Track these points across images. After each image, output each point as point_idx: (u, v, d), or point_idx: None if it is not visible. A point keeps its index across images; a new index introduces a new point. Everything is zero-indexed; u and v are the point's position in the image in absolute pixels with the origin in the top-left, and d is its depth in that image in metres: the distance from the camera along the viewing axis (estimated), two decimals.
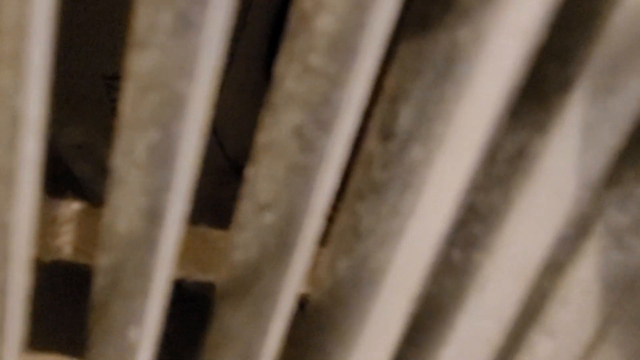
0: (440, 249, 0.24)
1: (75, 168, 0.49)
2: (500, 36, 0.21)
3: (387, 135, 0.23)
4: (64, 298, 0.42)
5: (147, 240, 0.23)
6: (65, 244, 0.28)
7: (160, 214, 0.22)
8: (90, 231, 0.28)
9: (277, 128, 0.22)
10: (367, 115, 0.23)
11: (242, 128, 0.52)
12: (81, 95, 0.47)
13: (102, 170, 0.22)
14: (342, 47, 0.20)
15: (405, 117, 0.23)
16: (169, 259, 0.24)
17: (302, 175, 0.21)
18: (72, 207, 0.28)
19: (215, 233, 0.29)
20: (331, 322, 0.25)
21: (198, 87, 0.19)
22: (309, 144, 0.21)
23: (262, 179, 0.23)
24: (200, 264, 0.30)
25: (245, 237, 0.24)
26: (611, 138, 0.21)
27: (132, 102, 0.20)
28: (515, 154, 0.23)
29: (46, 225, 0.27)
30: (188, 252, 0.29)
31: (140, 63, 0.20)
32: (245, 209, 0.24)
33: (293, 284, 0.25)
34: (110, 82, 0.47)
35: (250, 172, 0.23)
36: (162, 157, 0.20)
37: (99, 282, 0.23)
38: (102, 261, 0.23)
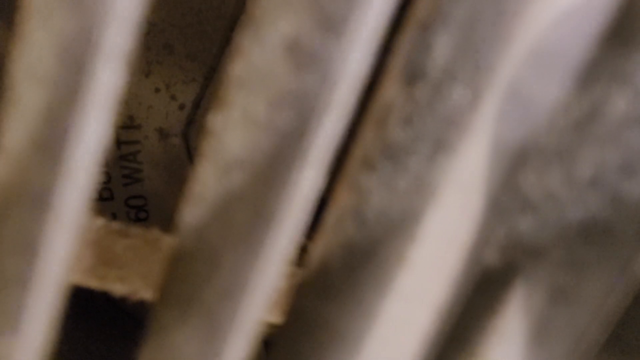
0: (479, 238, 0.17)
1: None
2: None
3: (413, 76, 0.17)
4: None
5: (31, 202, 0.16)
6: None
7: (62, 153, 0.15)
8: None
9: (258, 51, 0.15)
10: (382, 55, 0.17)
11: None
12: None
13: None
14: None
15: (441, 49, 0.16)
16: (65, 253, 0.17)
17: (292, 108, 0.15)
18: None
19: (159, 235, 0.22)
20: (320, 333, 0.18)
21: None
22: (307, 57, 0.14)
23: (233, 126, 0.16)
24: (137, 275, 0.23)
25: (200, 211, 0.17)
26: None
27: None
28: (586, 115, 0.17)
29: None
30: (121, 258, 0.23)
31: None
32: (205, 174, 0.17)
33: (263, 286, 0.18)
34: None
35: (215, 123, 0.16)
36: (74, 58, 0.14)
37: None
38: None
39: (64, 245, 0.17)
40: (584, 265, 0.17)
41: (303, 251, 0.19)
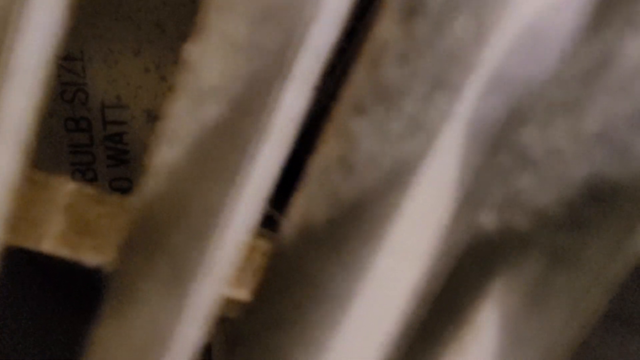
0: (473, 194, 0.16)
1: None
2: None
3: (411, 10, 0.15)
4: None
5: None
6: None
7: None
8: None
9: None
10: None
11: None
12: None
13: None
14: None
15: None
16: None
17: (275, 24, 0.13)
18: None
19: (110, 197, 0.21)
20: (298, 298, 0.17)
21: None
22: None
23: (211, 53, 0.15)
24: (113, 245, 0.22)
25: (172, 150, 0.16)
26: None
27: None
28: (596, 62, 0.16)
29: None
30: (95, 226, 0.21)
31: None
32: (178, 109, 0.15)
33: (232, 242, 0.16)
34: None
35: (192, 52, 0.15)
36: None
37: None
38: None
39: (9, 163, 0.15)
40: (587, 226, 0.16)
41: (275, 223, 0.18)
